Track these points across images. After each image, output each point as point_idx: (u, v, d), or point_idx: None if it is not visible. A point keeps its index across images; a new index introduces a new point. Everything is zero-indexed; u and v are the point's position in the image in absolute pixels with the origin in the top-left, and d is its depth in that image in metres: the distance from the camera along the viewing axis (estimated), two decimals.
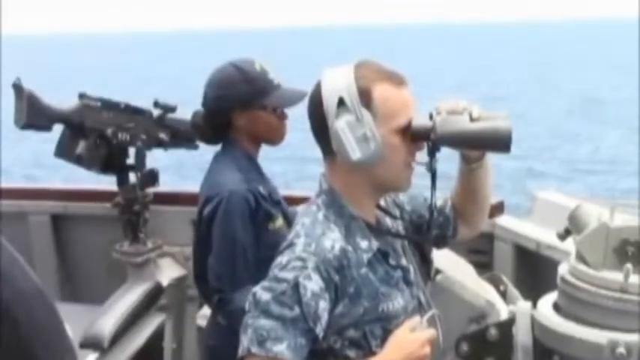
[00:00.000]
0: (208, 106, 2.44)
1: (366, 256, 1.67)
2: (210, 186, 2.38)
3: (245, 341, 1.54)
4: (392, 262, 1.73)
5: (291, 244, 1.64)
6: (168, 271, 3.43)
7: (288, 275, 1.57)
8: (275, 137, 2.44)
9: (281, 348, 1.51)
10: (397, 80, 1.67)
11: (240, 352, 1.55)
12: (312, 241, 1.62)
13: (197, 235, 2.47)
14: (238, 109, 2.37)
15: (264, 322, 1.53)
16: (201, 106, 2.48)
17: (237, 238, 2.25)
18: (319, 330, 1.57)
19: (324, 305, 1.57)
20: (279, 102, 2.39)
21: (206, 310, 3.45)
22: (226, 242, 2.27)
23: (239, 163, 2.37)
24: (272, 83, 2.39)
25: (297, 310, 1.54)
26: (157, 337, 2.97)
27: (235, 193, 2.28)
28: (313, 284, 1.56)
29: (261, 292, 1.57)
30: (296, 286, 1.55)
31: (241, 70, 2.38)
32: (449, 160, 1.85)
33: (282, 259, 1.61)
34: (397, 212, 1.87)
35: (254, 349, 1.52)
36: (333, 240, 1.63)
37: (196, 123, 2.53)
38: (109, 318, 2.68)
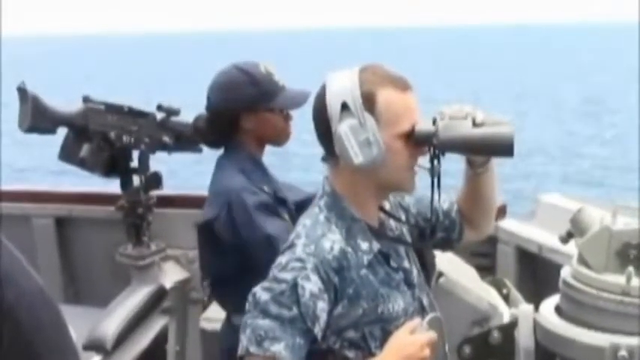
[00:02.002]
0: (213, 109, 2.42)
1: (366, 258, 1.68)
2: (217, 193, 2.36)
3: (244, 341, 1.56)
4: (393, 264, 1.73)
5: (291, 245, 1.65)
6: (172, 274, 3.44)
7: (287, 276, 1.58)
8: (281, 138, 2.43)
9: (279, 348, 1.53)
10: (401, 85, 1.67)
11: (240, 351, 1.57)
12: (311, 242, 1.63)
13: (205, 241, 2.43)
14: (245, 112, 2.36)
15: (263, 322, 1.55)
16: (205, 110, 2.47)
17: (266, 228, 2.21)
18: (317, 330, 1.58)
19: (322, 306, 1.58)
20: (285, 103, 2.39)
21: (209, 313, 3.45)
22: (260, 236, 2.21)
23: (243, 165, 2.36)
24: (277, 85, 2.38)
25: (295, 311, 1.55)
26: (161, 339, 2.98)
27: (244, 189, 2.27)
28: (312, 285, 1.57)
29: (260, 292, 1.59)
30: (294, 286, 1.57)
31: (247, 73, 2.37)
32: (455, 162, 1.85)
33: (282, 259, 1.63)
34: (403, 215, 1.88)
35: (252, 349, 1.54)
36: (333, 241, 1.64)
37: (199, 127, 2.53)
38: (112, 320, 2.69)
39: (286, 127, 2.42)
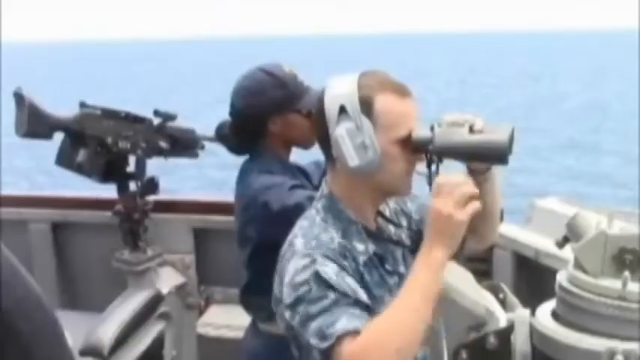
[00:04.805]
0: (240, 114, 2.34)
1: (362, 259, 1.68)
2: (251, 196, 2.26)
3: (315, 349, 1.51)
4: (388, 267, 1.74)
5: (291, 245, 1.65)
6: (168, 279, 3.44)
7: (304, 276, 1.56)
8: (308, 140, 2.31)
9: (341, 325, 1.49)
10: (401, 91, 1.67)
11: (319, 356, 1.52)
12: (310, 239, 1.63)
13: (245, 247, 2.32)
14: (273, 114, 2.29)
15: (315, 324, 1.51)
16: (229, 116, 2.39)
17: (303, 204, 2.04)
18: (363, 296, 1.56)
19: (350, 280, 1.57)
20: (313, 104, 2.31)
21: (206, 318, 3.46)
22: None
23: (271, 168, 2.30)
24: (303, 86, 2.32)
25: (331, 295, 1.53)
26: (157, 344, 2.97)
27: (270, 186, 2.20)
28: (330, 268, 1.56)
29: (292, 313, 1.56)
30: (317, 276, 1.55)
31: (273, 75, 2.31)
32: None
33: (288, 267, 1.60)
34: (404, 221, 1.88)
35: (323, 345, 1.50)
36: (331, 237, 1.65)
37: (223, 134, 2.44)
38: (109, 326, 2.68)
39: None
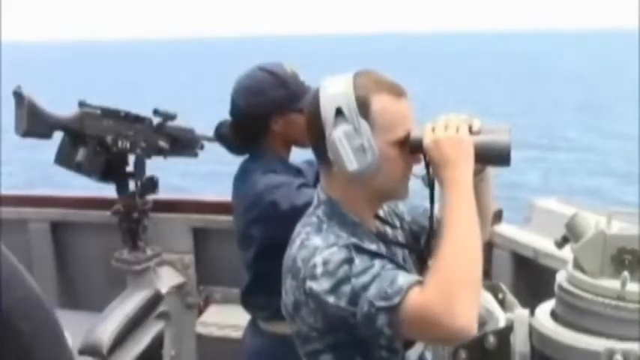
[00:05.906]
0: (242, 114, 2.32)
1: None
2: (251, 195, 2.24)
3: (382, 312, 1.48)
4: None
5: (304, 247, 1.59)
6: (168, 279, 3.45)
7: (340, 256, 1.53)
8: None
9: (403, 280, 1.48)
10: (397, 91, 1.64)
11: (385, 323, 1.49)
12: (326, 235, 1.59)
13: (249, 248, 2.30)
14: (275, 114, 2.28)
15: (371, 291, 1.48)
16: (230, 115, 2.36)
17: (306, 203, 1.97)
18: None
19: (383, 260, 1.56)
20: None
21: (205, 318, 3.46)
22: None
23: (273, 167, 2.28)
24: (304, 85, 2.30)
25: (376, 262, 1.51)
26: (156, 344, 2.98)
27: (278, 185, 2.18)
28: (362, 249, 1.55)
29: (337, 295, 1.51)
30: (357, 247, 1.54)
31: (274, 75, 2.29)
32: None
33: (315, 261, 1.55)
34: (397, 222, 1.85)
35: (394, 301, 1.46)
36: (347, 236, 1.60)
37: (223, 134, 2.42)
38: (108, 325, 2.69)
39: None
